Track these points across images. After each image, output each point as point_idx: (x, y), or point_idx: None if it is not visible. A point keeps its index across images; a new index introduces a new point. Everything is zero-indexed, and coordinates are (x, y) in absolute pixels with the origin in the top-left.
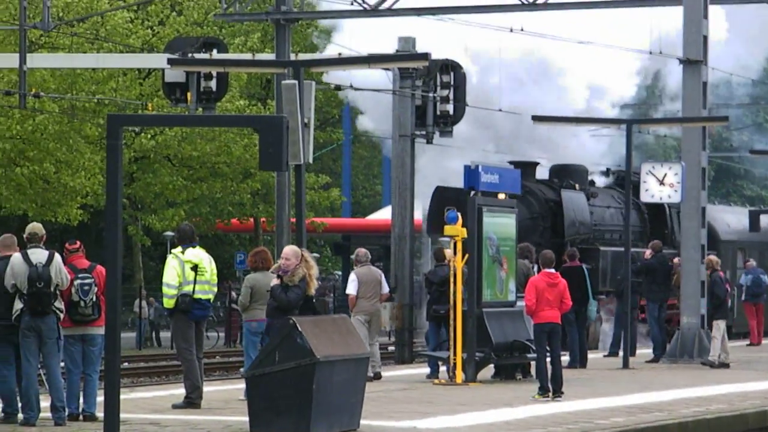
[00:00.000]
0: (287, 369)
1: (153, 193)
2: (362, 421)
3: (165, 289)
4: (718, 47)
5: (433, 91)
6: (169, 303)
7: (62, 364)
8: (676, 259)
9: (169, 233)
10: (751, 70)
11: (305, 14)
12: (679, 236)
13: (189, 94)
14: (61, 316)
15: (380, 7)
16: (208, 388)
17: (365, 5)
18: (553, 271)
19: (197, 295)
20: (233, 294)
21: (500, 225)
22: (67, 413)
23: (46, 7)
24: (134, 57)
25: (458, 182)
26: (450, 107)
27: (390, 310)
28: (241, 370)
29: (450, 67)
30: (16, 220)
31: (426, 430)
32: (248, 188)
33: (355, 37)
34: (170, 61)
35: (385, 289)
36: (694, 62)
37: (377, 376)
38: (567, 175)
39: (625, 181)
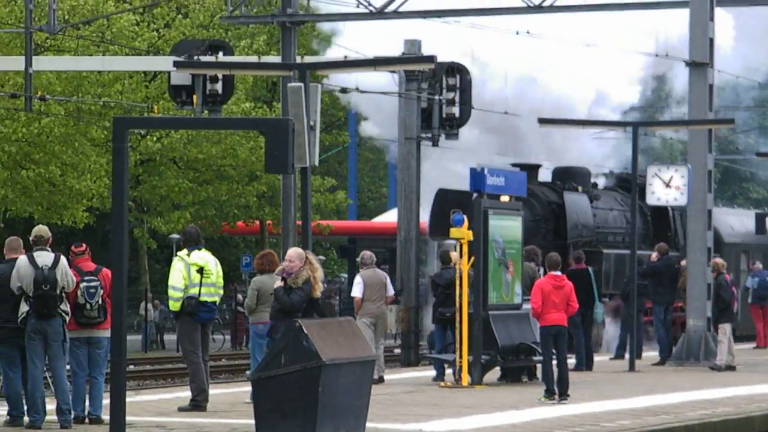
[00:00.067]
0: (293, 372)
1: (159, 195)
2: (368, 424)
3: (171, 292)
4: (726, 51)
5: (438, 93)
6: (175, 306)
7: (68, 367)
8: (683, 262)
9: (175, 236)
10: (758, 73)
11: (311, 17)
12: (683, 239)
13: (195, 97)
14: (67, 318)
15: (386, 10)
16: (214, 391)
17: (371, 8)
18: (559, 273)
19: (203, 298)
20: (239, 297)
21: (506, 228)
22: (72, 416)
23: (51, 10)
24: (140, 60)
25: (460, 185)
26: (456, 110)
27: (396, 312)
28: (248, 372)
29: (456, 69)
30: (21, 222)
31: None
32: (254, 191)
33: (355, 41)
34: (176, 64)
35: (391, 291)
36: (700, 65)
37: (380, 380)
38: (570, 177)
39: (632, 184)
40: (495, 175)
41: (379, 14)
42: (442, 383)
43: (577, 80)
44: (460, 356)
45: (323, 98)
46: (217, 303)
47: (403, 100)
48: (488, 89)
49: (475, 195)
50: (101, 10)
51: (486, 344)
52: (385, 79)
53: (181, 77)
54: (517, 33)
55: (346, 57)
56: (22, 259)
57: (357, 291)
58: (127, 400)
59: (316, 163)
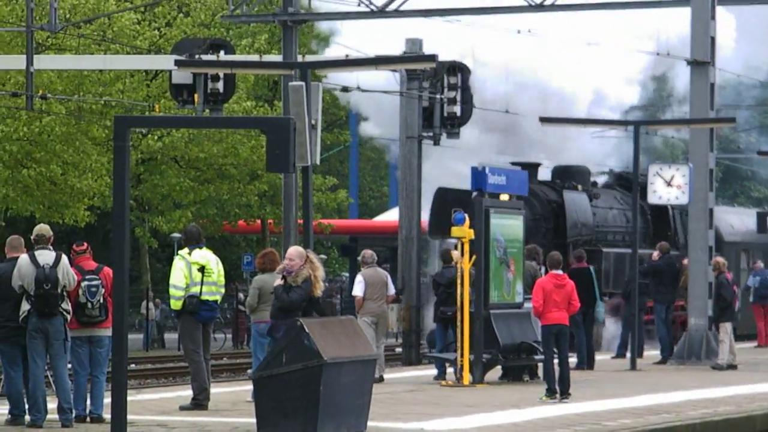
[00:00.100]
0: (294, 371)
1: (160, 194)
2: (369, 423)
3: (172, 291)
4: (727, 50)
5: (440, 92)
6: (176, 304)
7: (69, 365)
8: (685, 261)
9: (176, 235)
10: (760, 72)
11: (312, 16)
12: (683, 237)
13: (196, 96)
14: (69, 317)
15: (387, 9)
16: (216, 390)
17: (372, 6)
18: (560, 272)
19: (204, 297)
20: (240, 295)
21: (507, 226)
22: (74, 415)
23: (53, 9)
24: (141, 58)
25: (460, 184)
26: (457, 109)
27: (397, 311)
28: (249, 371)
29: (457, 68)
30: (23, 221)
31: None
32: (255, 190)
33: (355, 40)
34: (177, 63)
35: (392, 290)
36: (701, 63)
37: (380, 379)
38: (569, 176)
39: (633, 183)
40: (496, 174)
41: (381, 13)
42: (443, 382)
43: (577, 79)
44: (462, 355)
45: (324, 97)
46: (219, 302)
47: (405, 99)
48: (488, 88)
49: (474, 194)
50: (102, 9)
51: (487, 343)
52: (386, 78)
53: (182, 76)
54: (519, 32)
55: (347, 56)
56: (24, 257)
57: (358, 290)
58: (129, 398)
59: (318, 162)
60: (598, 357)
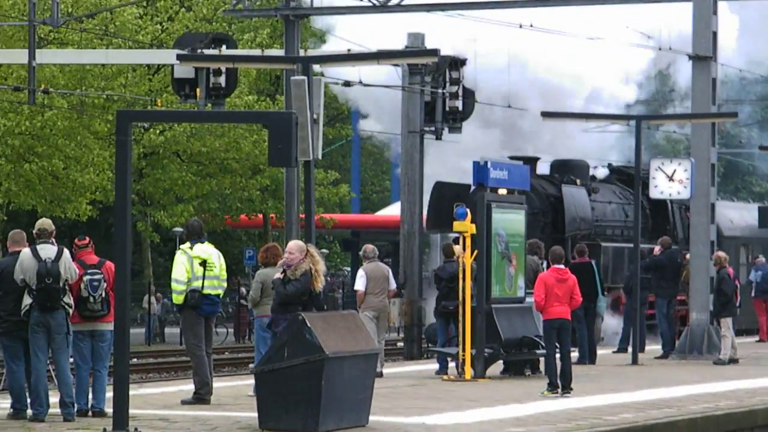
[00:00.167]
0: (296, 365)
1: (162, 189)
2: (371, 417)
3: (174, 285)
4: (729, 44)
5: (442, 87)
6: (178, 299)
7: (71, 359)
8: (687, 255)
9: (178, 229)
10: (762, 67)
11: (314, 10)
12: (682, 232)
13: (198, 90)
14: (71, 311)
15: (389, 3)
16: (217, 384)
17: (374, 1)
18: (562, 267)
19: (206, 291)
20: (242, 290)
21: (509, 221)
22: (76, 409)
23: (55, 3)
24: (143, 53)
25: (459, 179)
26: (459, 103)
27: (399, 306)
28: (251, 365)
29: (459, 63)
30: (25, 215)
31: (435, 427)
32: (257, 184)
33: (352, 34)
34: (179, 57)
35: (393, 285)
36: (703, 58)
37: (379, 375)
38: (568, 170)
39: (635, 177)
40: (498, 169)
41: (383, 7)
42: (445, 377)
43: (576, 75)
44: (463, 350)
45: (326, 92)
46: (221, 296)
47: (407, 93)
48: (488, 83)
49: (473, 188)
50: (104, 3)
51: (489, 338)
52: (386, 74)
53: (184, 70)
54: (521, 26)
55: (349, 50)
56: (26, 251)
57: (360, 284)
58: (131, 393)
59: (320, 157)
60: (600, 352)
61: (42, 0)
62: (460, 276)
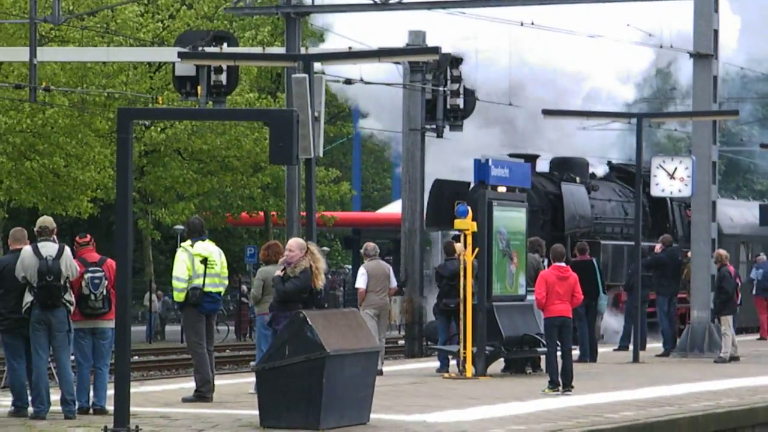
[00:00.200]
0: (297, 363)
1: (163, 186)
2: (372, 415)
3: (175, 283)
4: (731, 43)
5: (443, 85)
6: (179, 296)
7: (72, 357)
8: (689, 254)
9: (179, 227)
10: (763, 65)
11: (316, 8)
12: (681, 230)
13: (199, 88)
14: (72, 309)
15: (390, 1)
16: (218, 382)
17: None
18: (563, 264)
19: (207, 288)
20: (243, 287)
21: (510, 219)
22: (77, 406)
23: (56, 1)
24: (144, 50)
25: (459, 177)
26: (460, 101)
27: (400, 304)
28: (252, 363)
29: (460, 61)
30: (26, 213)
31: (436, 424)
32: (258, 182)
33: (350, 32)
34: (180, 55)
35: (393, 283)
36: (704, 56)
37: (379, 373)
38: (567, 168)
39: (636, 175)
40: (499, 167)
41: (384, 5)
42: (446, 374)
43: (576, 74)
44: (464, 347)
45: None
46: (222, 294)
47: (408, 91)
48: (488, 80)
49: (472, 186)
50: (106, 1)
51: (490, 335)
52: (385, 72)
53: (185, 68)
54: (522, 24)
55: (350, 48)
56: (27, 249)
57: (361, 282)
58: (132, 390)
59: (321, 155)
60: (601, 349)
61: None
62: (461, 274)
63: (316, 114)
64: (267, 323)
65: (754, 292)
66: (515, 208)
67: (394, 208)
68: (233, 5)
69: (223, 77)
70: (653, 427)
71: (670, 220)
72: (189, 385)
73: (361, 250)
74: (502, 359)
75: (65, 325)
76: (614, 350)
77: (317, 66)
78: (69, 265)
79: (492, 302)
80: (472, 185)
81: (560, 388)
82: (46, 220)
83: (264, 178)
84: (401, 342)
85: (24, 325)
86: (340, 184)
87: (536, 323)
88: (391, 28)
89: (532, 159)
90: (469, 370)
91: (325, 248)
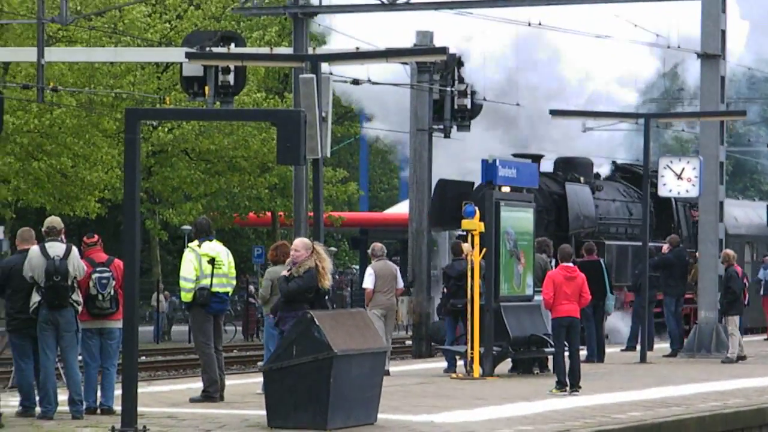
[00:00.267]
0: (305, 363)
1: (170, 186)
2: (379, 415)
3: (182, 283)
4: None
5: (450, 85)
6: (186, 297)
7: (80, 357)
8: (697, 254)
9: (187, 227)
10: None
11: (323, 8)
12: (686, 230)
13: (207, 88)
14: (79, 309)
15: (398, 1)
16: (226, 382)
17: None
18: (571, 265)
19: (215, 289)
20: (251, 288)
21: (518, 219)
22: (84, 407)
23: (63, 1)
24: (152, 51)
25: (464, 177)
26: (467, 101)
27: (407, 304)
28: (259, 363)
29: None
30: (33, 213)
31: (443, 425)
32: (266, 182)
33: (354, 33)
34: (188, 55)
35: (400, 284)
36: (711, 56)
37: (386, 373)
38: (572, 168)
39: (643, 176)
40: (507, 167)
41: (391, 6)
42: (453, 375)
43: (580, 76)
44: (472, 348)
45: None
46: (229, 294)
47: (415, 91)
48: (493, 80)
49: (476, 186)
50: (113, 1)
51: (497, 336)
52: (392, 72)
53: (193, 68)
54: (529, 24)
55: (357, 48)
56: (34, 249)
57: (368, 282)
58: (139, 390)
59: (328, 155)
60: (608, 350)
61: None
62: (469, 274)
63: (323, 114)
64: (275, 324)
65: (761, 292)
66: (523, 208)
67: (401, 209)
68: (241, 5)
69: (231, 77)
70: (661, 428)
71: (675, 221)
72: (196, 385)
73: (369, 251)
74: (509, 359)
75: (73, 325)
76: (622, 350)
77: (325, 67)
78: (76, 265)
79: (499, 302)
80: (476, 185)
81: (567, 388)
82: (53, 221)
83: (271, 178)
84: (408, 342)
85: (32, 326)
86: (347, 185)
87: (543, 323)
88: (391, 29)
89: (536, 159)
90: (477, 370)
91: (333, 248)
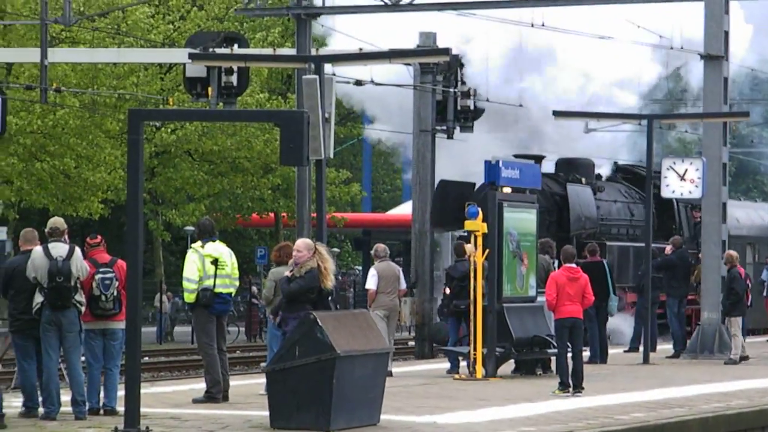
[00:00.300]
0: (307, 364)
1: (173, 187)
2: (382, 416)
3: (186, 284)
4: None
5: (453, 86)
6: (190, 297)
7: (83, 358)
8: (701, 255)
9: (190, 228)
10: None
11: (326, 9)
12: (688, 231)
13: (210, 89)
14: (82, 309)
15: (401, 2)
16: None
17: (386, 0)
18: (574, 266)
19: (218, 289)
20: (254, 289)
21: (521, 220)
22: (87, 407)
23: (67, 2)
24: (155, 52)
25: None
26: (470, 102)
27: (411, 305)
28: (262, 364)
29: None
30: (36, 214)
31: (446, 426)
32: (269, 183)
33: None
34: (191, 56)
35: (403, 285)
36: (714, 58)
37: (388, 374)
38: (573, 169)
39: (646, 177)
40: (510, 168)
41: (395, 6)
42: (456, 376)
43: (582, 77)
44: (475, 349)
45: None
46: (233, 295)
47: (418, 92)
48: (495, 81)
49: (477, 186)
50: (116, 2)
51: (500, 337)
52: (395, 74)
53: (196, 69)
54: (532, 25)
55: (361, 49)
56: (37, 250)
57: (371, 283)
58: (142, 391)
59: (331, 156)
60: (611, 351)
61: None
62: (472, 275)
63: (326, 115)
64: (278, 325)
65: (764, 293)
66: (526, 209)
67: (404, 210)
68: (244, 6)
69: (234, 78)
70: (663, 429)
71: (676, 222)
72: (199, 386)
73: (372, 252)
74: (512, 360)
75: (76, 325)
76: (624, 352)
77: (327, 68)
78: (79, 266)
79: (502, 303)
80: (477, 186)
81: (570, 389)
82: (56, 221)
83: (274, 179)
84: (411, 343)
85: (35, 326)
86: (350, 185)
87: (546, 324)
88: (393, 30)
89: (537, 160)
90: (480, 371)
91: (335, 249)
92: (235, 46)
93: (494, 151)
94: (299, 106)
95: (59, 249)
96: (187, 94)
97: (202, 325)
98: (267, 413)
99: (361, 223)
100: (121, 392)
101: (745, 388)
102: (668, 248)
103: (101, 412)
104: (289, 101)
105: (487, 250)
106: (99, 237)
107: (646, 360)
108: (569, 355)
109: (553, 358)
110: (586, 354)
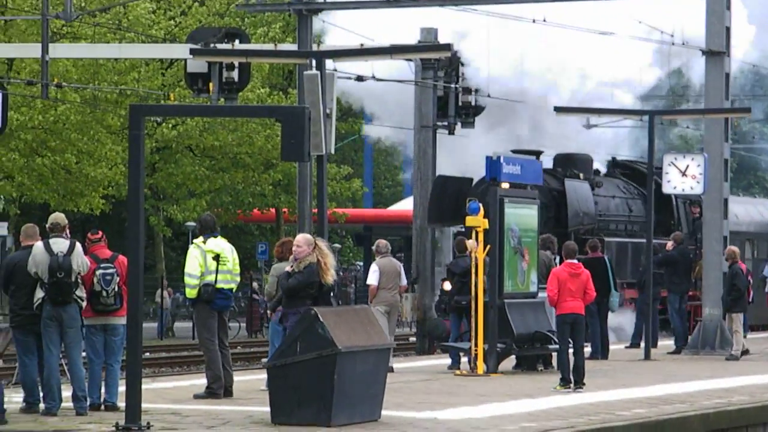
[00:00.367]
0: (309, 359)
1: (175, 183)
2: (383, 412)
3: (187, 279)
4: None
5: (454, 82)
6: (191, 293)
7: (84, 354)
8: (700, 251)
9: (191, 223)
10: None
11: (327, 5)
12: (686, 227)
13: (211, 85)
14: (83, 305)
15: None
16: None
17: None
18: (575, 261)
19: (219, 285)
20: (255, 284)
21: (522, 216)
22: (88, 403)
23: None
24: (156, 47)
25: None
26: (472, 98)
27: (412, 300)
28: (263, 360)
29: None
30: (38, 209)
31: (447, 421)
32: (270, 179)
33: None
34: (192, 52)
35: (404, 281)
36: (716, 53)
37: (389, 370)
38: (571, 164)
39: (648, 173)
40: (511, 164)
41: (396, 2)
42: (457, 371)
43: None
44: (476, 344)
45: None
46: (234, 290)
47: (419, 88)
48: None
49: (475, 182)
50: None
51: (501, 333)
52: (396, 69)
53: (197, 65)
54: (534, 21)
55: (362, 45)
56: (38, 245)
57: (373, 279)
58: (143, 387)
59: (332, 151)
60: (613, 347)
61: None
62: (473, 271)
63: (327, 111)
64: (279, 321)
65: (766, 289)
66: (527, 205)
67: (405, 205)
68: (245, 2)
69: (235, 74)
70: (665, 425)
71: (675, 217)
72: (200, 381)
73: (373, 247)
74: (513, 356)
75: (77, 321)
76: (626, 347)
77: (329, 63)
78: (80, 261)
79: (503, 299)
80: (474, 182)
81: (572, 385)
82: (57, 217)
83: (275, 174)
84: (412, 339)
85: (35, 322)
86: (351, 181)
87: (548, 320)
88: (395, 26)
89: (535, 155)
90: (481, 367)
91: (336, 245)
92: (237, 41)
93: (493, 147)
94: (300, 102)
95: (60, 244)
96: (188, 89)
97: (203, 320)
98: (268, 409)
99: (362, 219)
100: (122, 388)
101: (746, 384)
102: (669, 244)
103: (102, 407)
104: (290, 97)
105: (488, 246)
106: (100, 232)
107: (647, 356)
108: (570, 351)
109: (555, 354)
110: (587, 350)
